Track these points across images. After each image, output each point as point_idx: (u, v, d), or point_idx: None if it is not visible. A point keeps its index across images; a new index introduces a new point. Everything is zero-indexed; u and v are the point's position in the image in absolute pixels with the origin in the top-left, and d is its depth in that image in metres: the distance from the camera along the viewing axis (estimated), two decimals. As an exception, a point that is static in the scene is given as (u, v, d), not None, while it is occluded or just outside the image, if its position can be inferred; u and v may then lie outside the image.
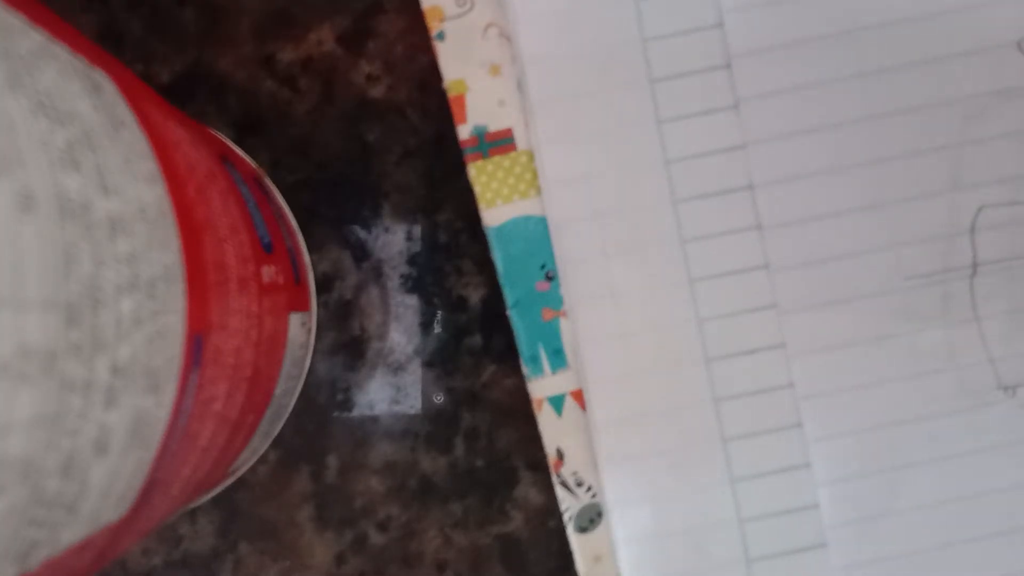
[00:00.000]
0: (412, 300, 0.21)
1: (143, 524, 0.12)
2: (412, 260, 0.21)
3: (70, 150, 0.09)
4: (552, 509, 0.21)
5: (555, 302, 0.19)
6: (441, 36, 0.19)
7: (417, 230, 0.21)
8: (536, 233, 0.19)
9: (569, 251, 0.19)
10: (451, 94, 0.19)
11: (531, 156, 0.19)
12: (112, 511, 0.10)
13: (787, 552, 0.18)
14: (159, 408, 0.11)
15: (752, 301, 0.19)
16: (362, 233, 0.21)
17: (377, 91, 0.21)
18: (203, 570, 0.21)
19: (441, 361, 0.21)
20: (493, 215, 0.19)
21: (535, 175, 0.19)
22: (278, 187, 0.21)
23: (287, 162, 0.21)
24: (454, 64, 0.19)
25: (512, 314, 0.19)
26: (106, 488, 0.10)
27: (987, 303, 0.18)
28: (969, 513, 0.19)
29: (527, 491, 0.21)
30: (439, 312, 0.21)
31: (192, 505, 0.17)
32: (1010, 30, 0.18)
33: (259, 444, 0.19)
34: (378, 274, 0.21)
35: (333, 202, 0.21)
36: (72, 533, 0.09)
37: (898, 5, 0.18)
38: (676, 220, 0.19)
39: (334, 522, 0.21)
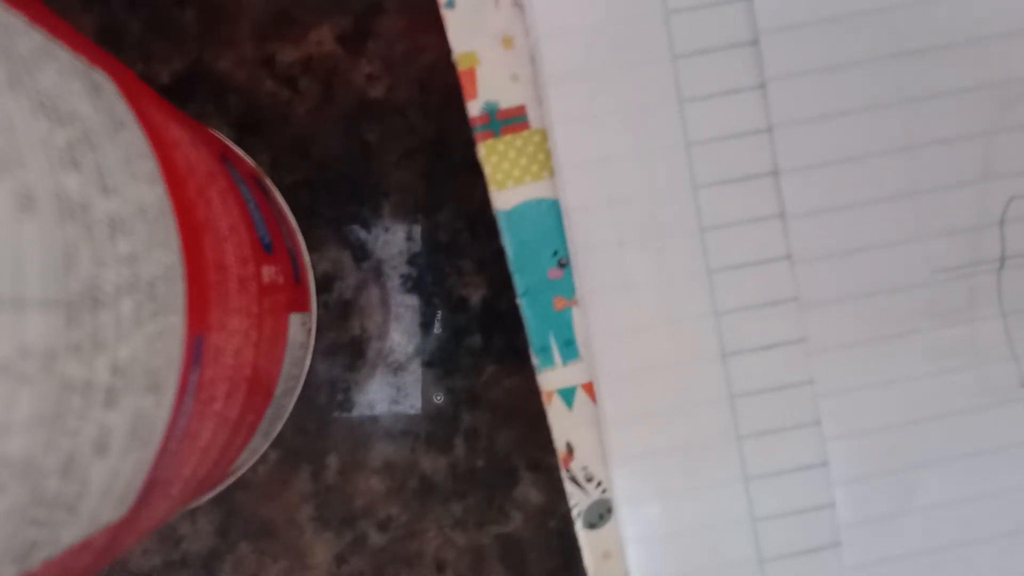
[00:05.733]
0: (412, 300, 0.21)
1: (143, 524, 0.12)
2: (412, 260, 0.21)
3: (70, 150, 0.09)
4: (552, 509, 0.21)
5: (567, 290, 0.18)
6: (451, 3, 0.18)
7: (417, 230, 0.21)
8: (548, 218, 0.18)
9: (582, 238, 0.18)
10: (460, 67, 0.18)
11: (545, 135, 0.18)
12: (112, 511, 0.10)
13: (801, 552, 0.18)
14: (159, 408, 0.11)
15: (772, 294, 0.18)
16: (362, 233, 0.21)
17: (377, 91, 0.21)
18: (203, 570, 0.21)
19: (441, 361, 0.21)
20: (503, 198, 0.18)
21: (548, 156, 0.18)
22: (278, 187, 0.21)
23: (287, 162, 0.21)
24: (464, 35, 0.18)
25: (522, 303, 0.18)
26: (106, 488, 0.10)
27: (1014, 298, 0.18)
28: (986, 512, 0.18)
29: (527, 491, 0.21)
30: (439, 312, 0.21)
31: (192, 505, 0.17)
32: None
33: (259, 444, 0.19)
34: (378, 274, 0.21)
35: (333, 202, 0.21)
36: (72, 533, 0.09)
37: None
38: (696, 207, 0.18)
39: (334, 522, 0.21)
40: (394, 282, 0.21)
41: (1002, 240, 0.18)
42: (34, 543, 0.09)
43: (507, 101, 0.18)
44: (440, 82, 0.21)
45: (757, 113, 0.18)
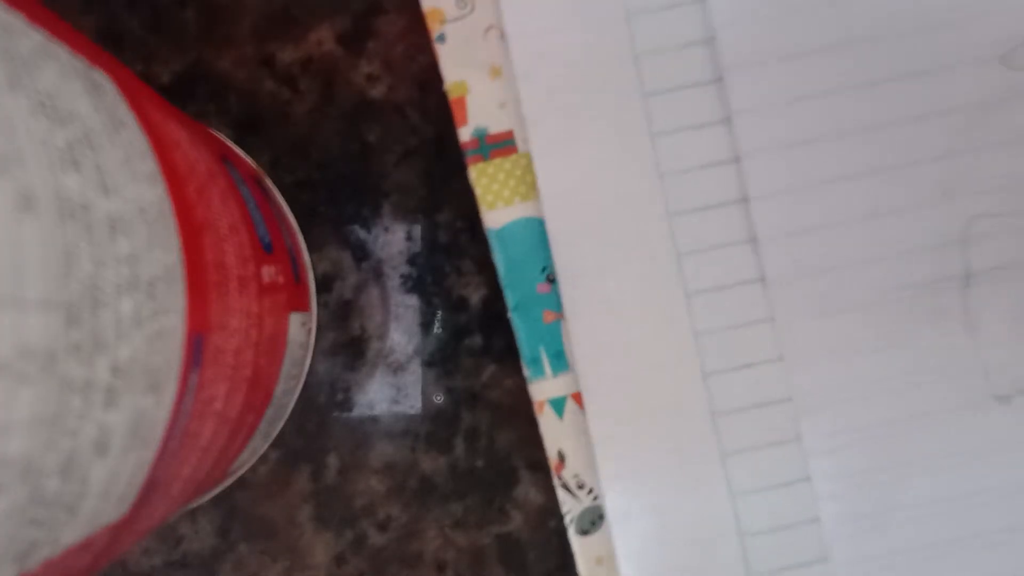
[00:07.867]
0: (412, 300, 0.21)
1: (143, 524, 0.12)
2: (412, 260, 0.21)
3: (70, 150, 0.09)
4: (552, 509, 0.21)
5: (556, 304, 0.19)
6: (442, 38, 0.19)
7: (417, 230, 0.21)
8: (537, 235, 0.19)
9: (567, 261, 0.19)
10: (452, 96, 0.19)
11: (531, 159, 0.19)
12: (112, 511, 0.10)
13: (789, 567, 0.19)
14: (159, 408, 0.11)
15: (748, 315, 0.19)
16: (362, 233, 0.21)
17: (377, 91, 0.21)
18: (203, 570, 0.21)
19: (441, 361, 0.21)
20: (494, 217, 0.19)
21: (536, 178, 0.19)
22: (278, 187, 0.21)
23: (287, 162, 0.21)
24: (455, 66, 0.19)
25: (513, 316, 0.19)
26: (106, 488, 0.10)
27: (979, 313, 0.19)
28: (965, 519, 0.19)
29: (527, 491, 0.21)
30: (439, 312, 0.21)
31: (192, 505, 0.17)
32: (992, 46, 0.18)
33: (259, 444, 0.19)
34: (378, 274, 0.21)
35: (333, 202, 0.21)
36: (72, 533, 0.09)
37: (887, 21, 0.19)
38: (671, 233, 0.19)
39: (334, 522, 0.21)
40: (394, 282, 0.21)
41: (966, 258, 0.19)
42: (34, 543, 0.09)
43: (496, 127, 0.19)
44: (440, 82, 0.21)
45: (725, 144, 0.19)
